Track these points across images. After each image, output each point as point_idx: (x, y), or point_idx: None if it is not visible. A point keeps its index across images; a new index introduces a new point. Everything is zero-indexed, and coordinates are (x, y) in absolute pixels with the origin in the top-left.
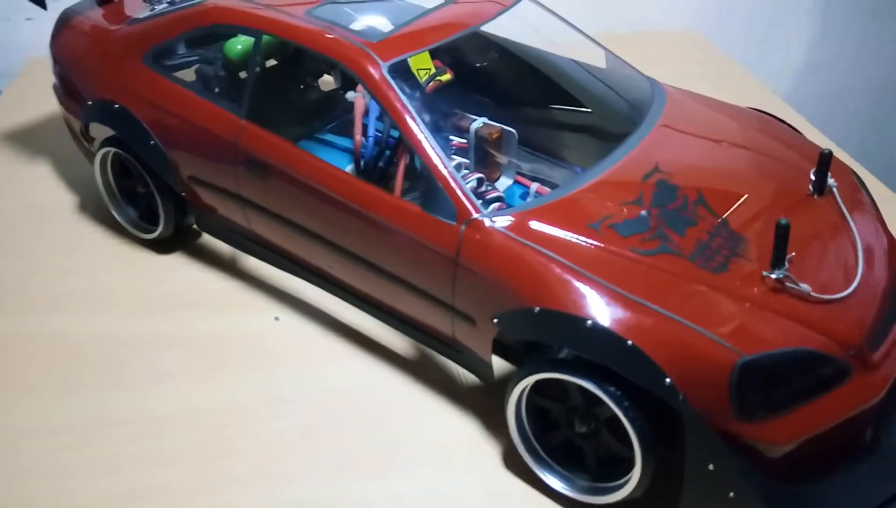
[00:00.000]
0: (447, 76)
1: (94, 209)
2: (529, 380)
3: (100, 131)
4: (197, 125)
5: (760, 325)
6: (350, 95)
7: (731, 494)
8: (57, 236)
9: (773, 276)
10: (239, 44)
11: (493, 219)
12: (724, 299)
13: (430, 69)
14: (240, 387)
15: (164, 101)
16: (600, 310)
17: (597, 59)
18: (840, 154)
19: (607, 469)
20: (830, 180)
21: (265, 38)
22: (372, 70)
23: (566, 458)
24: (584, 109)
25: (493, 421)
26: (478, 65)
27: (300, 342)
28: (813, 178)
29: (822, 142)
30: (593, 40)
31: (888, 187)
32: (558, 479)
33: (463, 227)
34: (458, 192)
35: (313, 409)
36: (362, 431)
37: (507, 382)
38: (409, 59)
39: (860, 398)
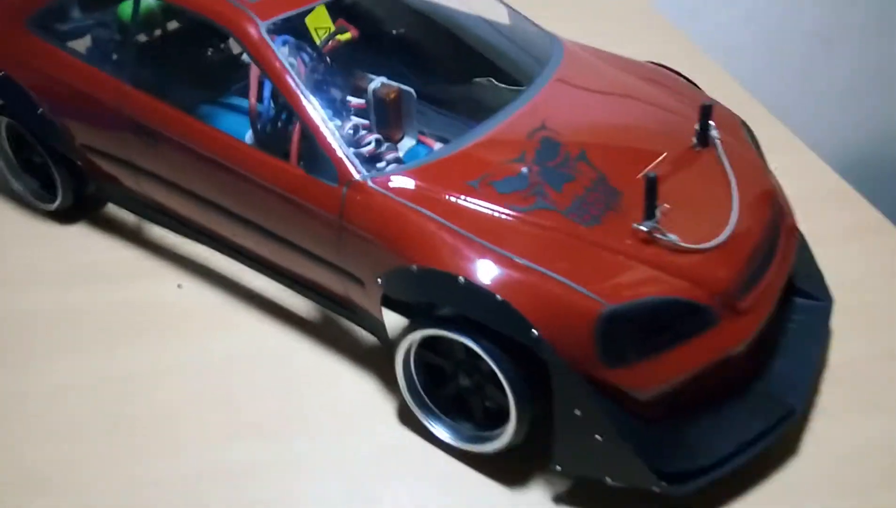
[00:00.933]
0: (347, 35)
1: None
2: (414, 337)
3: None
4: (82, 92)
5: (628, 276)
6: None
7: (599, 437)
8: None
9: (643, 228)
10: (131, 5)
11: (374, 180)
12: (595, 252)
13: (328, 28)
14: (139, 355)
15: (49, 67)
16: (472, 267)
17: (503, 16)
18: (752, 106)
19: (493, 421)
20: (714, 132)
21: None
22: (249, 29)
23: (457, 411)
24: (484, 66)
25: (390, 379)
26: (384, 24)
27: (203, 309)
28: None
29: (737, 92)
30: None
31: (800, 139)
32: (445, 430)
33: (345, 189)
34: (339, 153)
35: (212, 374)
36: (261, 395)
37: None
38: (304, 19)
39: (725, 344)
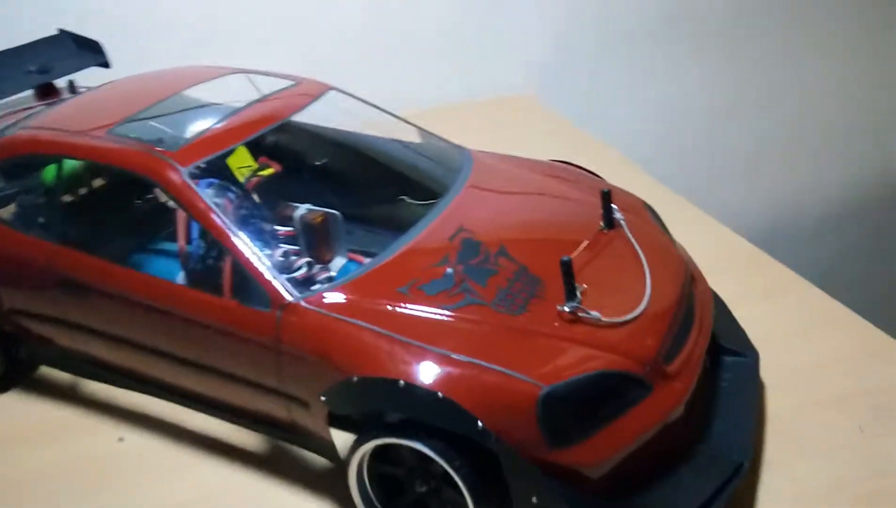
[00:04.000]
0: (270, 171)
1: None
2: (365, 449)
3: None
4: (10, 257)
5: (560, 356)
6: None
7: None
8: None
9: (566, 309)
10: (55, 169)
11: (307, 300)
12: (525, 338)
13: (250, 166)
14: None
15: None
16: (411, 369)
17: (414, 136)
18: (656, 188)
19: None
20: (618, 214)
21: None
22: (172, 176)
23: None
24: (401, 182)
25: (347, 500)
26: (304, 157)
27: (146, 458)
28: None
29: (640, 176)
30: (402, 119)
31: (707, 213)
32: None
33: (278, 312)
34: (269, 277)
35: None
36: None
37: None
38: (225, 160)
39: (662, 409)
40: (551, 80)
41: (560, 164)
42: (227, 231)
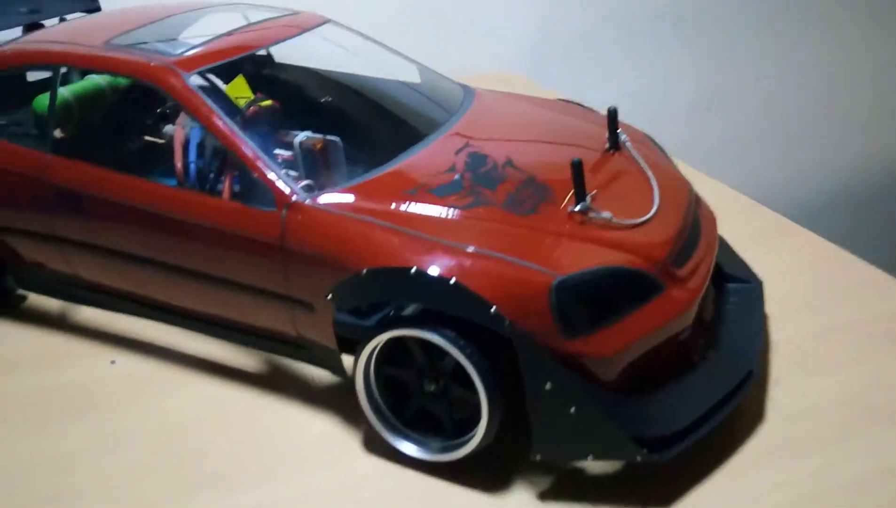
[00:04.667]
0: (268, 102)
1: None
2: (371, 345)
3: None
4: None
5: (572, 251)
6: (168, 127)
7: (573, 409)
8: None
9: (577, 208)
10: (47, 99)
11: (314, 198)
12: (537, 235)
13: (249, 96)
14: (78, 433)
15: None
16: (422, 258)
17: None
18: None
19: (461, 428)
20: (623, 137)
21: (81, 89)
22: (174, 81)
23: (424, 427)
24: (404, 117)
25: (348, 414)
26: (305, 94)
27: (140, 380)
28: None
29: None
30: (405, 56)
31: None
32: (414, 445)
33: (284, 211)
34: (274, 177)
35: (161, 439)
36: (216, 451)
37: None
38: (224, 87)
39: (675, 309)
40: (537, 58)
41: (564, 101)
42: (231, 132)
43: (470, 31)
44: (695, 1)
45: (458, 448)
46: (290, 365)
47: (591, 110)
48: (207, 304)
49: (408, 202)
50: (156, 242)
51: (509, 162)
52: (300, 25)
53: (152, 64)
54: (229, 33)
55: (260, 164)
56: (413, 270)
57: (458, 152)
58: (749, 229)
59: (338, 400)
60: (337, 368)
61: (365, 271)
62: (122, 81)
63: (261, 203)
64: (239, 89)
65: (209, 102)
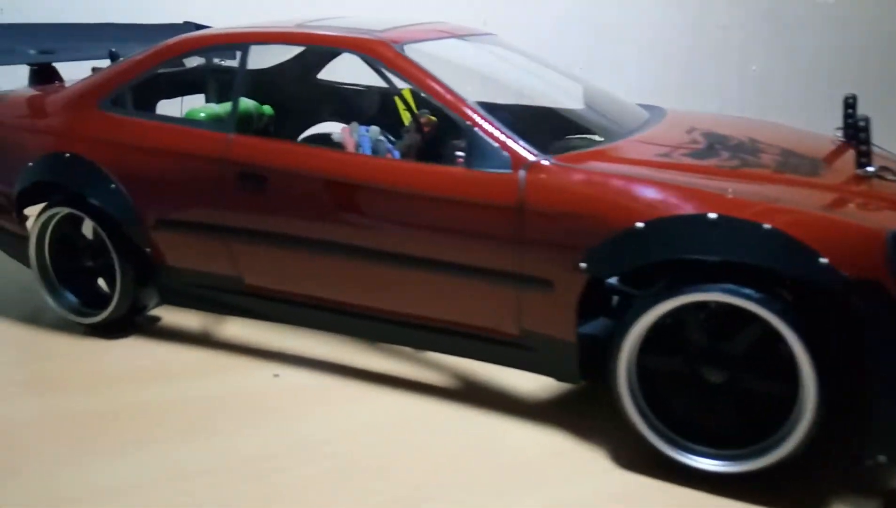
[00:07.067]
0: (433, 118)
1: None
2: (643, 323)
3: (35, 208)
4: (172, 152)
5: (880, 210)
6: (336, 135)
7: None
8: None
9: (870, 169)
10: (202, 112)
11: (557, 158)
12: (833, 194)
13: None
14: (264, 438)
15: (127, 138)
16: (719, 205)
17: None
18: None
19: (760, 427)
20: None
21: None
22: (383, 50)
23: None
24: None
25: (565, 426)
26: None
27: (312, 391)
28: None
29: None
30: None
31: None
32: (703, 458)
33: (522, 172)
34: (507, 139)
35: (354, 448)
36: (412, 464)
37: (605, 349)
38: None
39: None
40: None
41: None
42: (452, 95)
43: None
44: None
45: (757, 457)
46: (481, 376)
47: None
48: (410, 300)
49: (668, 162)
50: (354, 223)
51: (754, 139)
52: (473, 31)
53: (366, 37)
54: (416, 23)
55: (488, 125)
56: (712, 216)
57: (689, 132)
58: None
59: (544, 412)
60: (567, 369)
61: (641, 225)
62: (268, 110)
63: (488, 166)
64: (403, 105)
65: (425, 68)
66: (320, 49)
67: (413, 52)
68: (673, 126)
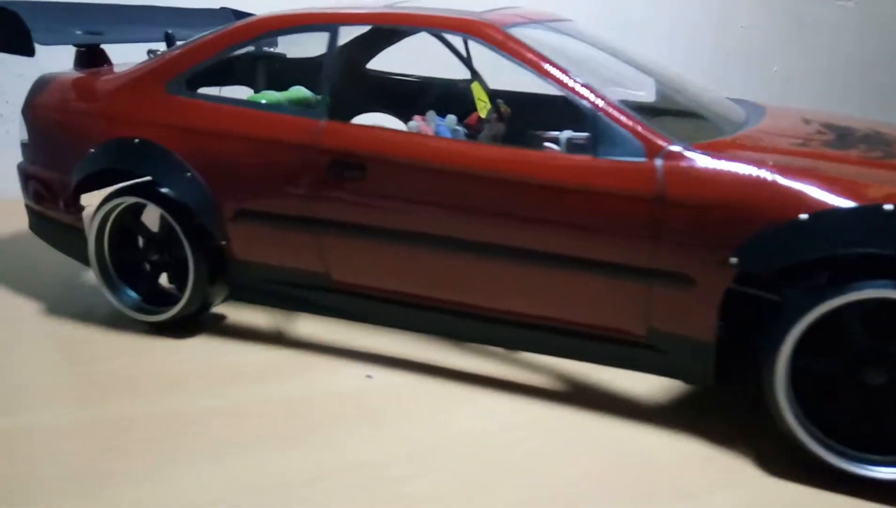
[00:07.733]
0: (506, 109)
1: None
2: (808, 319)
3: (94, 197)
4: (254, 138)
5: None
6: (412, 124)
7: None
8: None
9: None
10: (262, 98)
11: (696, 145)
12: None
13: (486, 101)
14: (371, 443)
15: (203, 123)
16: (889, 197)
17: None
18: None
19: None
20: None
21: (293, 97)
22: (491, 32)
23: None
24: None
25: (705, 431)
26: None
27: (412, 393)
28: None
29: None
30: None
31: None
32: (878, 466)
33: (658, 161)
34: (637, 126)
35: (464, 454)
36: (541, 472)
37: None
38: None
39: None
40: None
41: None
42: (570, 78)
43: None
44: None
45: None
46: (597, 381)
47: None
48: (522, 298)
49: (811, 151)
50: (463, 216)
51: (879, 133)
52: (553, 17)
53: (473, 19)
54: (497, 8)
55: (616, 111)
56: (890, 207)
57: (806, 123)
58: None
59: (674, 415)
60: (700, 371)
61: (806, 216)
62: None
63: (618, 154)
64: (479, 93)
65: (540, 51)
66: (393, 30)
67: (518, 35)
68: (783, 117)
